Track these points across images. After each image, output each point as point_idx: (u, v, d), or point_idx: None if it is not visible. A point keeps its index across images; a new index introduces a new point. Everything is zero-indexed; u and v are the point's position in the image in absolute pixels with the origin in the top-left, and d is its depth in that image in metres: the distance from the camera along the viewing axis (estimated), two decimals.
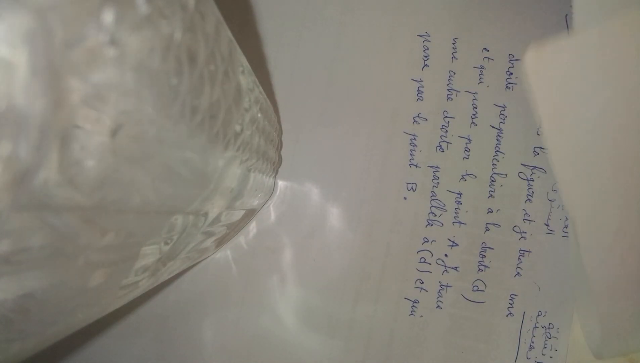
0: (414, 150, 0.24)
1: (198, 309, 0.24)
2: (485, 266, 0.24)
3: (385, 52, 0.24)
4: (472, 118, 0.24)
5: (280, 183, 0.24)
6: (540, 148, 0.24)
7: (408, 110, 0.24)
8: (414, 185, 0.24)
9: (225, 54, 0.12)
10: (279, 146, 0.24)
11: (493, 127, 0.24)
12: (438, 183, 0.24)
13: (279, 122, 0.24)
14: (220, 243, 0.22)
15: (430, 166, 0.24)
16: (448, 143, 0.24)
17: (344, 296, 0.23)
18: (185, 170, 0.11)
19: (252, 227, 0.24)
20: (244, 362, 0.23)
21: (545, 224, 0.24)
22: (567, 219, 0.24)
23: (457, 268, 0.24)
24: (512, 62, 0.24)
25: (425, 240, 0.24)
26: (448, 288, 0.24)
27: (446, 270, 0.24)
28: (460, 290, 0.24)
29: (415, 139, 0.24)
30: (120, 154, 0.08)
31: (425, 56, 0.24)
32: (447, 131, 0.24)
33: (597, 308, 0.20)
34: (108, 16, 0.07)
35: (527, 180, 0.24)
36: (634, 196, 0.19)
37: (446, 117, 0.24)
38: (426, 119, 0.24)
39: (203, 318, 0.23)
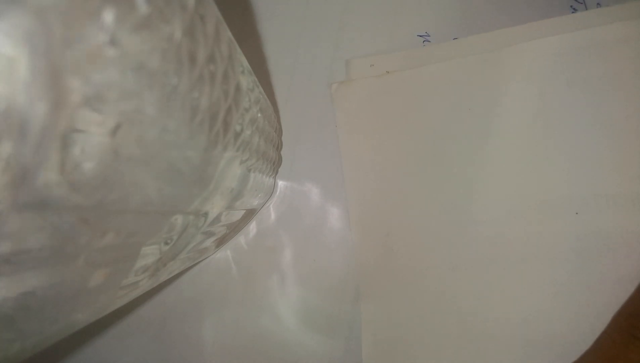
0: None
1: (198, 309, 0.24)
2: None
3: (385, 52, 0.24)
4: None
5: (280, 183, 0.24)
6: None
7: None
8: None
9: (225, 54, 0.12)
10: (279, 146, 0.24)
11: None
12: None
13: (279, 122, 0.24)
14: (220, 243, 0.22)
15: None
16: None
17: (344, 296, 0.23)
18: (186, 170, 0.11)
19: (252, 227, 0.24)
20: (244, 362, 0.23)
21: None
22: None
23: None
24: None
25: None
26: None
27: None
28: None
29: None
30: (120, 155, 0.08)
31: None
32: None
33: None
34: (108, 16, 0.07)
35: None
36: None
37: None
38: None
39: (203, 318, 0.23)
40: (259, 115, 0.16)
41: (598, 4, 0.24)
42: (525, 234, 0.21)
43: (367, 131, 0.24)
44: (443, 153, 0.23)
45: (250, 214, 0.22)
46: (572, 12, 0.24)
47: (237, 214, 0.19)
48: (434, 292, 0.22)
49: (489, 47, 0.23)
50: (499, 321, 0.21)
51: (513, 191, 0.22)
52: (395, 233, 0.22)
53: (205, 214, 0.15)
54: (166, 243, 0.13)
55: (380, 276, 0.22)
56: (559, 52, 0.22)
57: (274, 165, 0.22)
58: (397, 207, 0.23)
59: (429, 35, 0.24)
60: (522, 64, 0.22)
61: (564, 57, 0.22)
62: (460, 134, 0.23)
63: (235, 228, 0.22)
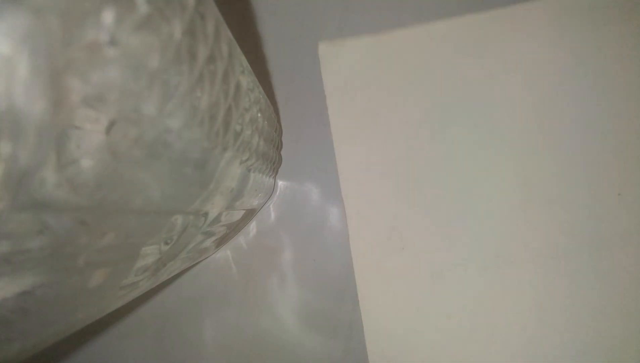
0: None
1: (198, 309, 0.24)
2: None
3: None
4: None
5: (280, 183, 0.24)
6: None
7: None
8: None
9: (225, 54, 0.12)
10: (279, 146, 0.24)
11: None
12: None
13: (279, 122, 0.24)
14: (220, 243, 0.22)
15: None
16: None
17: (344, 296, 0.23)
18: (185, 170, 0.11)
19: (252, 227, 0.24)
20: (244, 362, 0.23)
21: None
22: None
23: None
24: None
25: None
26: None
27: None
28: None
29: None
30: (119, 155, 0.08)
31: None
32: None
33: None
34: (108, 16, 0.07)
35: None
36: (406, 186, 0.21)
37: None
38: None
39: (203, 318, 0.23)
40: (259, 115, 0.16)
41: None
42: (539, 223, 0.19)
43: (362, 99, 0.21)
44: (449, 122, 0.20)
45: (250, 214, 0.22)
46: None
47: (237, 214, 0.19)
48: (441, 286, 0.20)
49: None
50: (508, 317, 0.19)
51: (525, 169, 0.19)
52: (400, 221, 0.20)
53: (205, 215, 0.15)
54: (166, 243, 0.13)
55: (381, 269, 0.20)
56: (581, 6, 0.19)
57: (274, 165, 0.22)
58: (399, 190, 0.20)
59: None
60: (540, 19, 0.20)
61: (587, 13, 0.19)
62: (468, 100, 0.20)
63: (235, 228, 0.22)
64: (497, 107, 0.20)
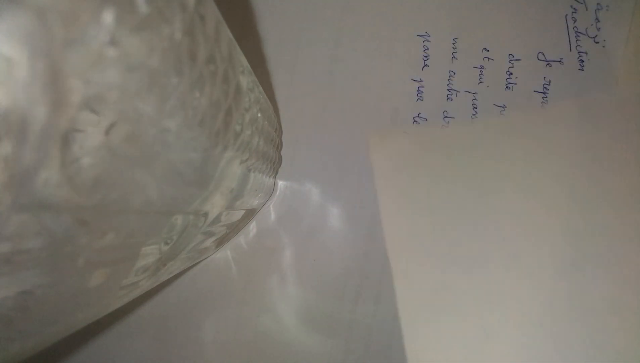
0: None
1: (198, 309, 0.24)
2: None
3: (385, 52, 0.24)
4: (472, 118, 0.24)
5: (280, 183, 0.24)
6: None
7: (408, 110, 0.24)
8: None
9: (225, 54, 0.12)
10: (279, 146, 0.24)
11: None
12: None
13: (279, 122, 0.24)
14: (220, 243, 0.22)
15: None
16: None
17: (344, 296, 0.23)
18: (186, 170, 0.11)
19: (252, 227, 0.24)
20: (244, 362, 0.23)
21: None
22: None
23: None
24: (512, 62, 0.24)
25: None
26: None
27: None
28: None
29: None
30: (120, 155, 0.08)
31: (425, 56, 0.24)
32: None
33: None
34: (108, 16, 0.07)
35: None
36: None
37: (446, 117, 0.24)
38: (426, 119, 0.24)
39: (203, 318, 0.23)
40: (259, 115, 0.16)
41: (598, 4, 0.24)
42: (585, 277, 0.20)
43: (407, 179, 0.23)
44: (489, 191, 0.22)
45: (250, 214, 0.22)
46: (573, 12, 0.24)
47: (237, 214, 0.19)
48: (492, 343, 0.21)
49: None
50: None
51: (573, 231, 0.21)
52: (447, 280, 0.21)
53: (205, 215, 0.15)
54: (166, 243, 0.13)
55: (430, 327, 0.22)
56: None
57: (274, 165, 0.22)
58: (446, 252, 0.22)
59: (429, 35, 0.24)
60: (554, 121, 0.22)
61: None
62: (506, 175, 0.22)
63: (235, 228, 0.22)
64: (530, 191, 0.22)
